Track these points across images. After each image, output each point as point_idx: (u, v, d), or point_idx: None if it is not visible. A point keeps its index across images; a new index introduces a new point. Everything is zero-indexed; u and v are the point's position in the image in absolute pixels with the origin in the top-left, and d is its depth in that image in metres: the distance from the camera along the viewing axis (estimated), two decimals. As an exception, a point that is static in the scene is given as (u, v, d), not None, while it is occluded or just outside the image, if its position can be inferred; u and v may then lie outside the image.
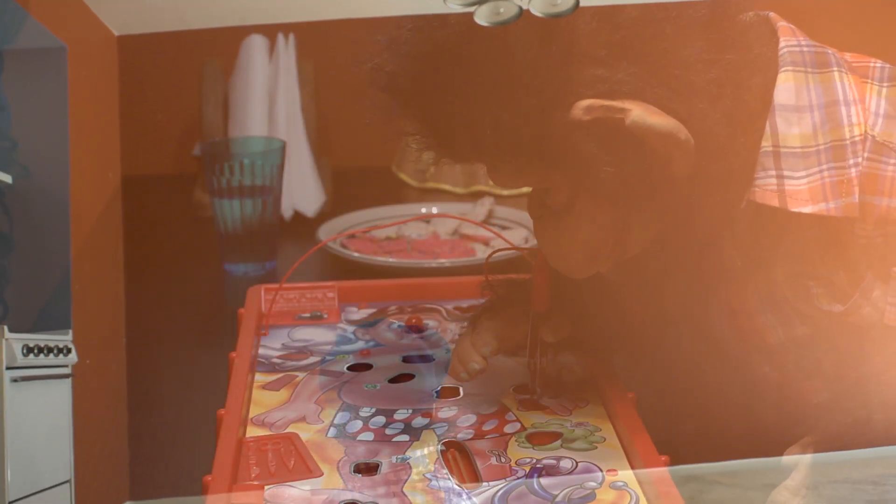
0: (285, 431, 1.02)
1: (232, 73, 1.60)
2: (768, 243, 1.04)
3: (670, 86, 0.98)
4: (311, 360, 1.16)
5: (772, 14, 1.04)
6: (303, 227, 1.55)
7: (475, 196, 1.60)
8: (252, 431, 1.02)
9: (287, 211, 1.55)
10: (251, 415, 1.05)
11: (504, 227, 1.52)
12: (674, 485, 0.94)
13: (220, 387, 1.09)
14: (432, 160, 1.01)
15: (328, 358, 1.16)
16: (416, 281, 1.32)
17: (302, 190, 1.57)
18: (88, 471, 1.11)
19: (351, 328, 1.23)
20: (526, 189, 1.07)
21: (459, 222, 1.53)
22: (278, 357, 1.16)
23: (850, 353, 1.05)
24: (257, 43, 1.59)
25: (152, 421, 1.25)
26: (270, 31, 1.59)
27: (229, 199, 1.46)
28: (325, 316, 1.25)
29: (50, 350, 1.04)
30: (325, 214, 1.56)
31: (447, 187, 1.62)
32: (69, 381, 1.07)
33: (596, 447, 1.00)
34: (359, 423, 1.03)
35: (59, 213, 1.11)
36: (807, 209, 1.00)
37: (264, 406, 1.07)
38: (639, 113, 0.96)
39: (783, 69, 1.01)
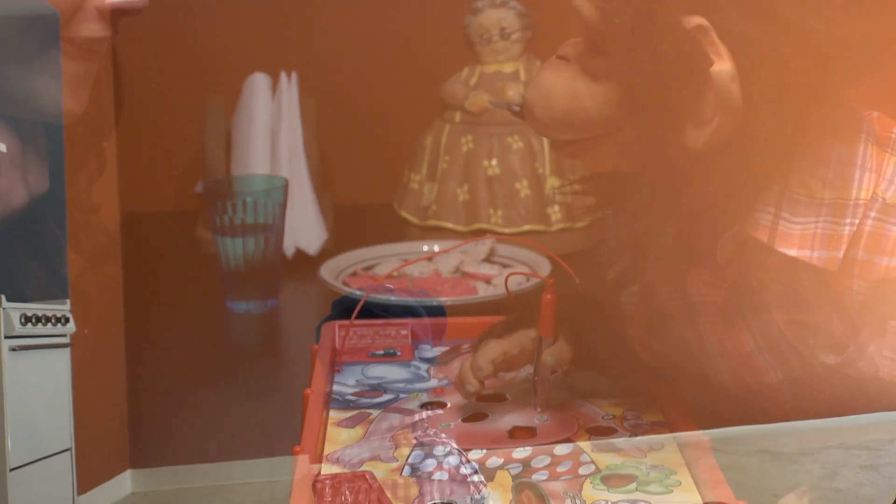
0: (360, 470, 1.03)
1: (234, 110, 1.61)
2: (759, 285, 1.05)
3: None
4: (385, 397, 1.17)
5: None
6: (305, 264, 1.55)
7: (476, 234, 1.60)
8: (327, 469, 1.04)
9: (289, 248, 1.55)
10: (325, 452, 1.06)
11: (505, 266, 1.53)
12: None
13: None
14: None
15: (402, 396, 1.17)
16: (490, 319, 1.31)
17: (304, 227, 1.57)
18: (88, 440, 1.11)
19: (424, 366, 1.24)
20: (528, 226, 1.07)
21: (461, 260, 1.53)
22: (352, 394, 1.18)
23: (849, 399, 1.05)
24: (260, 81, 1.60)
25: (151, 390, 1.25)
26: (273, 69, 1.60)
27: (231, 237, 1.46)
28: (399, 353, 1.27)
29: (48, 319, 1.03)
30: (326, 252, 1.57)
31: (448, 225, 1.62)
32: (68, 350, 1.07)
33: (672, 491, 1.00)
34: (433, 462, 1.04)
35: (55, 179, 1.09)
36: (792, 252, 1.01)
37: (338, 443, 1.08)
38: (727, 70, 0.97)
39: None
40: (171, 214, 1.64)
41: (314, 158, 1.61)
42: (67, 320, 1.07)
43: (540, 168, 1.58)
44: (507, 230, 1.58)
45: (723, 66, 0.97)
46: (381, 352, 1.27)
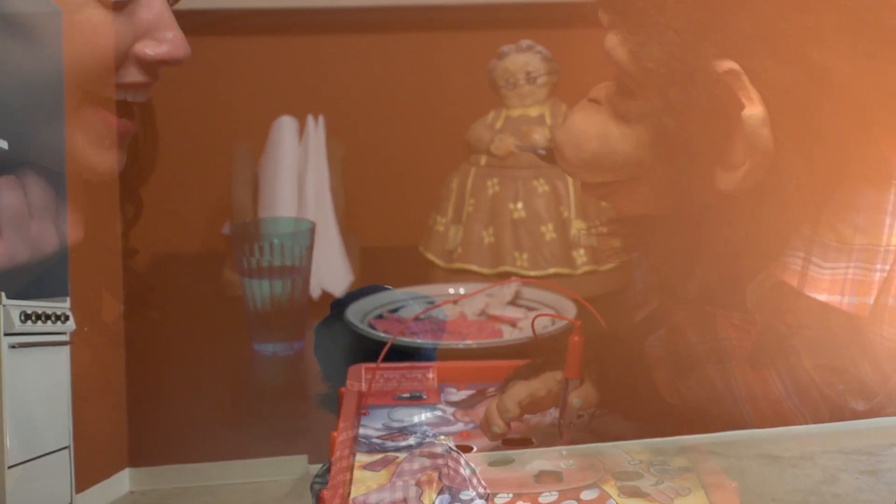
0: None
1: (262, 153, 1.62)
2: (789, 329, 1.04)
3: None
4: (412, 440, 1.17)
5: None
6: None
7: (502, 277, 1.60)
8: (354, 512, 1.04)
9: (315, 290, 1.56)
10: (352, 495, 1.06)
11: (530, 309, 1.53)
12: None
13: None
14: None
15: (428, 439, 1.17)
16: (515, 363, 1.31)
17: (330, 270, 1.58)
18: (87, 438, 1.11)
19: (450, 409, 1.24)
20: (553, 269, 1.07)
21: (486, 303, 1.53)
22: (379, 437, 1.18)
23: (877, 446, 1.05)
24: (287, 124, 1.61)
25: (151, 389, 1.25)
26: (300, 113, 1.61)
27: (259, 279, 1.47)
28: (425, 396, 1.27)
29: (48, 317, 1.04)
30: (353, 294, 1.57)
31: (474, 268, 1.62)
32: (67, 348, 1.07)
33: None
34: (459, 507, 1.04)
35: (55, 179, 1.09)
36: (822, 297, 1.01)
37: (365, 486, 1.08)
38: (759, 114, 0.98)
39: None
40: (198, 256, 1.65)
41: (340, 201, 1.62)
42: (67, 318, 1.07)
43: (565, 211, 1.59)
44: (532, 273, 1.58)
45: (754, 110, 0.98)
46: (407, 395, 1.28)
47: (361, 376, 1.28)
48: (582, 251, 1.58)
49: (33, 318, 1.02)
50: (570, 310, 1.47)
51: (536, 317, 1.35)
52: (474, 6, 1.69)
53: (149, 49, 1.18)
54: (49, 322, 1.04)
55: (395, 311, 1.53)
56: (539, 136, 1.58)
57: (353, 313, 1.50)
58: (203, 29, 1.67)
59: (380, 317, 1.51)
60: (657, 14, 1.00)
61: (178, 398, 1.30)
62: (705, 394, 1.12)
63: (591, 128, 1.05)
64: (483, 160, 1.62)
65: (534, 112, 1.61)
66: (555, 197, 1.59)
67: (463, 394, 1.28)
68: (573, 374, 1.12)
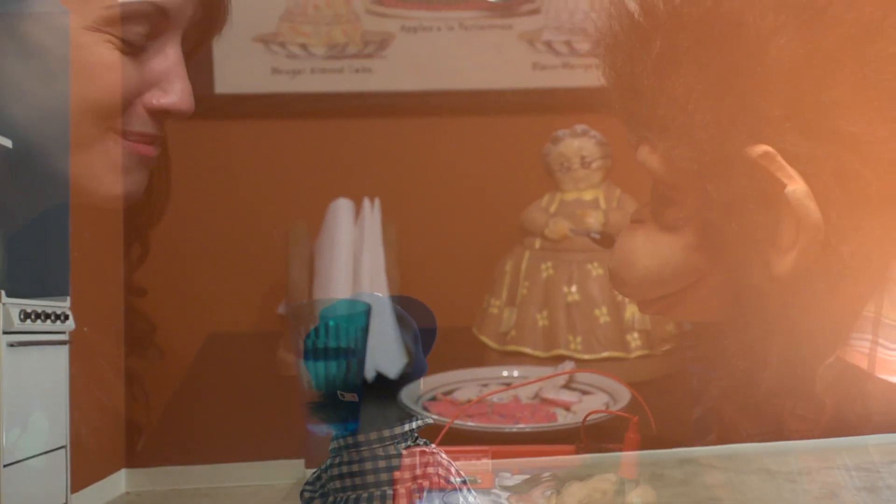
0: None
1: (318, 234, 1.64)
2: (855, 416, 1.03)
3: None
4: None
5: None
6: (384, 388, 1.55)
7: (556, 360, 1.60)
8: None
9: (369, 372, 1.56)
10: None
11: (585, 393, 1.52)
12: None
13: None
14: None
15: None
16: (571, 448, 1.32)
17: (384, 352, 1.58)
18: (84, 437, 1.10)
19: (505, 494, 1.24)
20: (607, 353, 1.07)
21: (540, 386, 1.53)
22: None
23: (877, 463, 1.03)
24: (343, 206, 1.63)
25: (149, 390, 1.25)
26: (356, 195, 1.63)
27: (314, 360, 1.48)
28: (479, 481, 1.26)
29: (47, 316, 1.03)
30: (406, 376, 1.57)
31: (527, 350, 1.62)
32: (66, 347, 1.06)
33: None
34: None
35: (58, 178, 1.10)
36: (893, 379, 0.99)
37: None
38: (801, 189, 0.98)
39: None
40: (253, 335, 1.67)
41: (395, 283, 1.63)
42: (67, 317, 1.07)
43: (619, 295, 1.58)
44: (586, 357, 1.58)
45: (796, 185, 0.98)
46: (462, 478, 1.27)
47: (416, 459, 1.27)
48: (636, 335, 1.57)
49: (33, 316, 1.01)
50: (625, 393, 1.46)
51: (588, 414, 1.34)
52: (529, 91, 1.71)
53: (155, 98, 1.19)
54: (49, 321, 1.03)
55: (448, 393, 1.54)
56: (593, 220, 1.59)
57: (408, 395, 1.50)
58: (262, 112, 1.71)
59: (433, 399, 1.52)
60: (681, 116, 1.01)
61: (176, 400, 1.29)
62: None
63: (640, 245, 1.07)
64: (537, 243, 1.62)
65: (588, 196, 1.62)
66: (609, 281, 1.59)
67: (517, 478, 1.27)
68: (629, 474, 1.10)
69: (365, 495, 0.98)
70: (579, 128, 1.61)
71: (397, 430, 1.04)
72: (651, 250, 1.05)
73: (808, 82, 1.00)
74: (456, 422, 1.46)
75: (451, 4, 1.70)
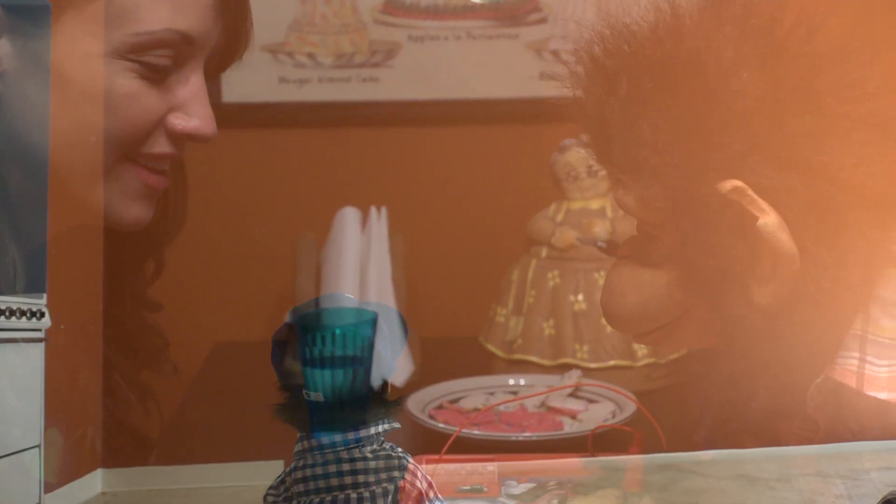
0: None
1: (325, 243, 1.64)
2: (850, 433, 1.04)
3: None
4: None
5: None
6: (391, 396, 1.55)
7: (562, 368, 1.60)
8: None
9: (376, 381, 1.56)
10: None
11: (591, 401, 1.52)
12: None
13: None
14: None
15: None
16: (578, 456, 1.31)
17: (391, 360, 1.58)
18: (59, 437, 1.09)
19: (511, 502, 1.24)
20: (614, 361, 1.08)
21: (546, 395, 1.53)
22: None
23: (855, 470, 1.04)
24: (350, 215, 1.63)
25: (127, 389, 1.24)
26: (363, 204, 1.64)
27: (320, 369, 1.48)
28: (486, 490, 1.26)
29: (23, 313, 1.02)
30: (413, 384, 1.57)
31: (534, 359, 1.62)
32: (42, 345, 1.06)
33: None
34: None
35: (37, 174, 1.08)
36: (882, 395, 1.00)
37: None
38: (773, 221, 0.99)
39: None
40: (261, 344, 1.67)
41: (402, 292, 1.63)
42: (43, 314, 1.06)
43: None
44: (592, 365, 1.58)
45: (767, 218, 0.99)
46: (468, 487, 1.27)
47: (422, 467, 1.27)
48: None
49: (7, 313, 1.00)
50: (631, 402, 1.46)
51: (595, 430, 1.34)
52: (535, 100, 1.71)
53: (179, 123, 1.21)
54: (24, 318, 1.03)
55: (454, 401, 1.54)
56: (600, 229, 1.59)
57: (414, 404, 1.51)
58: (269, 122, 1.71)
59: (439, 407, 1.52)
60: (652, 157, 1.02)
61: (154, 399, 1.28)
62: None
63: (625, 280, 1.08)
64: (544, 252, 1.62)
65: (595, 205, 1.62)
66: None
67: (524, 487, 1.27)
68: (633, 487, 1.10)
69: (329, 499, 0.97)
70: (586, 137, 1.61)
71: (363, 433, 1.02)
72: (636, 285, 1.07)
73: (773, 114, 1.01)
74: (461, 430, 1.46)
75: (459, 14, 1.70)
